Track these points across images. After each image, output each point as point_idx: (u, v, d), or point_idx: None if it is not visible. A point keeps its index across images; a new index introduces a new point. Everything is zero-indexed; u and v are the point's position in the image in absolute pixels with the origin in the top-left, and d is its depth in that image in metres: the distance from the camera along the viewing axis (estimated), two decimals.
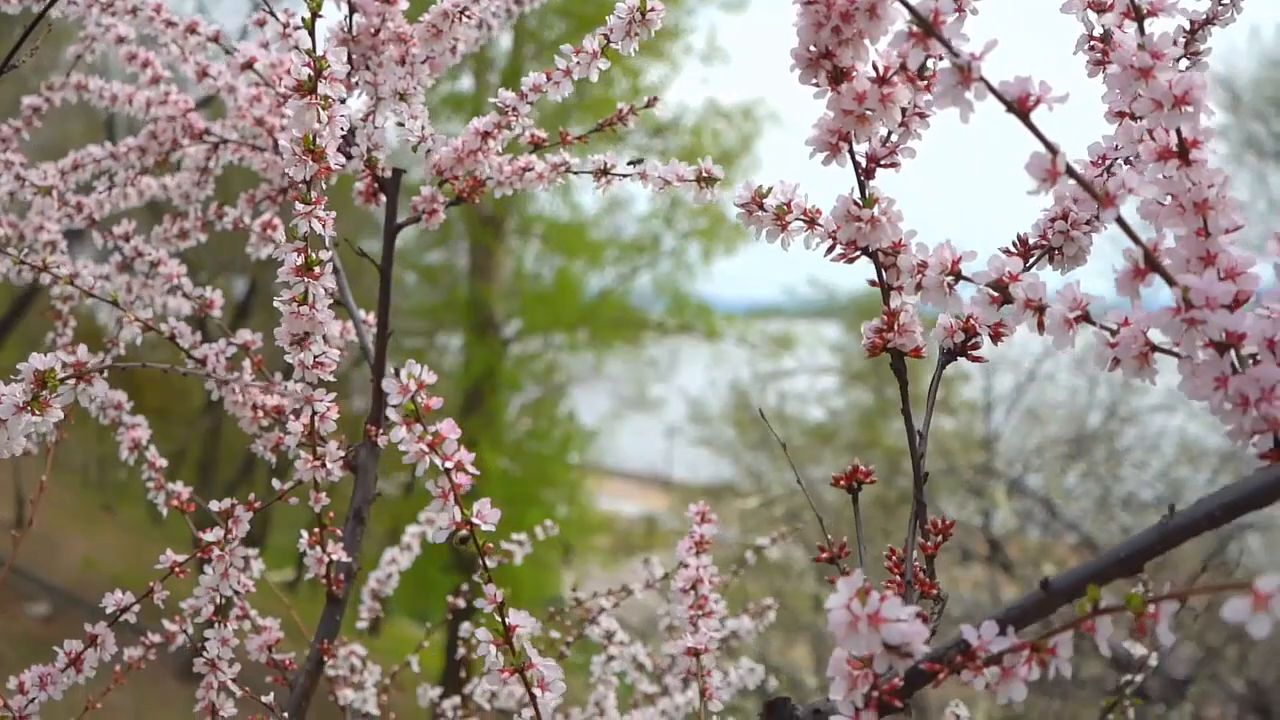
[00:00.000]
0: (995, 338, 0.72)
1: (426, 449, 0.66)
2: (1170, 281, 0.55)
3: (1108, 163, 0.74)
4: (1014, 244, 0.74)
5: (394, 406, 0.65)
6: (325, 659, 1.05)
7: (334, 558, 1.03)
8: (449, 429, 0.67)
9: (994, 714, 6.22)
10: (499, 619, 0.69)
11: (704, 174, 0.90)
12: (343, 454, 0.97)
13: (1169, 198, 0.58)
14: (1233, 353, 0.56)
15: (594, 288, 12.20)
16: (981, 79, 0.53)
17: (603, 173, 1.01)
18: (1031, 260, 0.73)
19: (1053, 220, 0.73)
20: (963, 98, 0.54)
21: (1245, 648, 6.25)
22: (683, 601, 1.02)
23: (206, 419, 10.21)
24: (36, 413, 0.71)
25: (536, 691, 0.69)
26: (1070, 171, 0.54)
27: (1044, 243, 0.73)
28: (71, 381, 0.69)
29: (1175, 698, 5.68)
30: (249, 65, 1.12)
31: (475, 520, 0.67)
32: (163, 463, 1.16)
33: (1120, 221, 0.55)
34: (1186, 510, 0.54)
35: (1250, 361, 0.56)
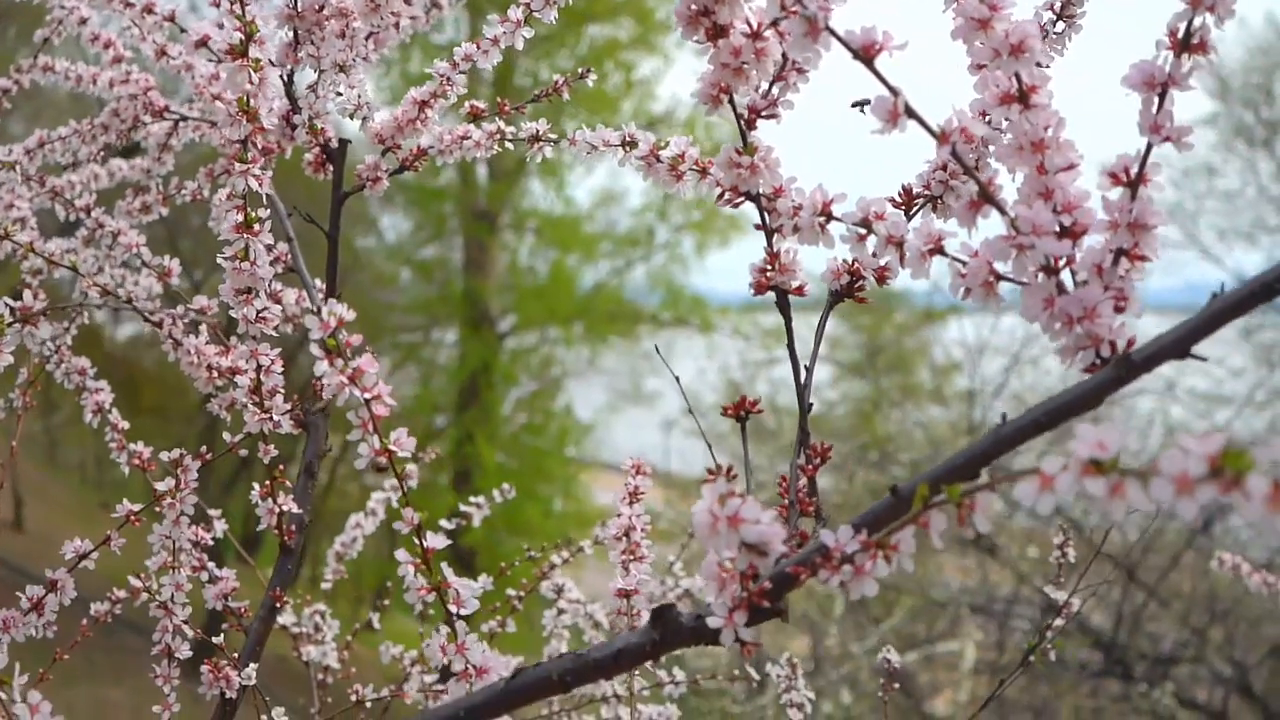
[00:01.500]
0: (880, 280, 0.77)
1: (347, 381, 0.72)
2: (1002, 211, 0.60)
3: (987, 117, 0.79)
4: (899, 193, 0.79)
5: (315, 341, 0.71)
6: (278, 606, 1.10)
7: (285, 509, 1.08)
8: (368, 364, 0.73)
9: (979, 693, 6.28)
10: (417, 542, 0.75)
11: (628, 139, 0.96)
12: (289, 407, 1.02)
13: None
14: (1067, 275, 0.62)
15: (588, 281, 12.26)
16: (828, 29, 0.59)
17: (535, 139, 1.07)
18: (915, 208, 0.79)
19: (934, 170, 0.78)
20: (811, 47, 0.59)
21: (1230, 629, 6.32)
22: (616, 547, 1.07)
23: (203, 417, 10.28)
24: None
25: (453, 608, 0.74)
26: (909, 112, 0.59)
27: (926, 192, 0.78)
28: (18, 325, 0.75)
29: (1159, 677, 5.74)
30: (203, 43, 1.17)
31: (393, 448, 0.73)
32: (125, 425, 1.21)
33: (958, 158, 0.60)
34: (1018, 418, 0.59)
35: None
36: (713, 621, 0.63)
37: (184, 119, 1.31)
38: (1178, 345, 0.56)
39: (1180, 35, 0.61)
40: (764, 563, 0.60)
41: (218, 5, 1.19)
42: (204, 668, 1.08)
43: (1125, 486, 0.45)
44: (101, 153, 1.32)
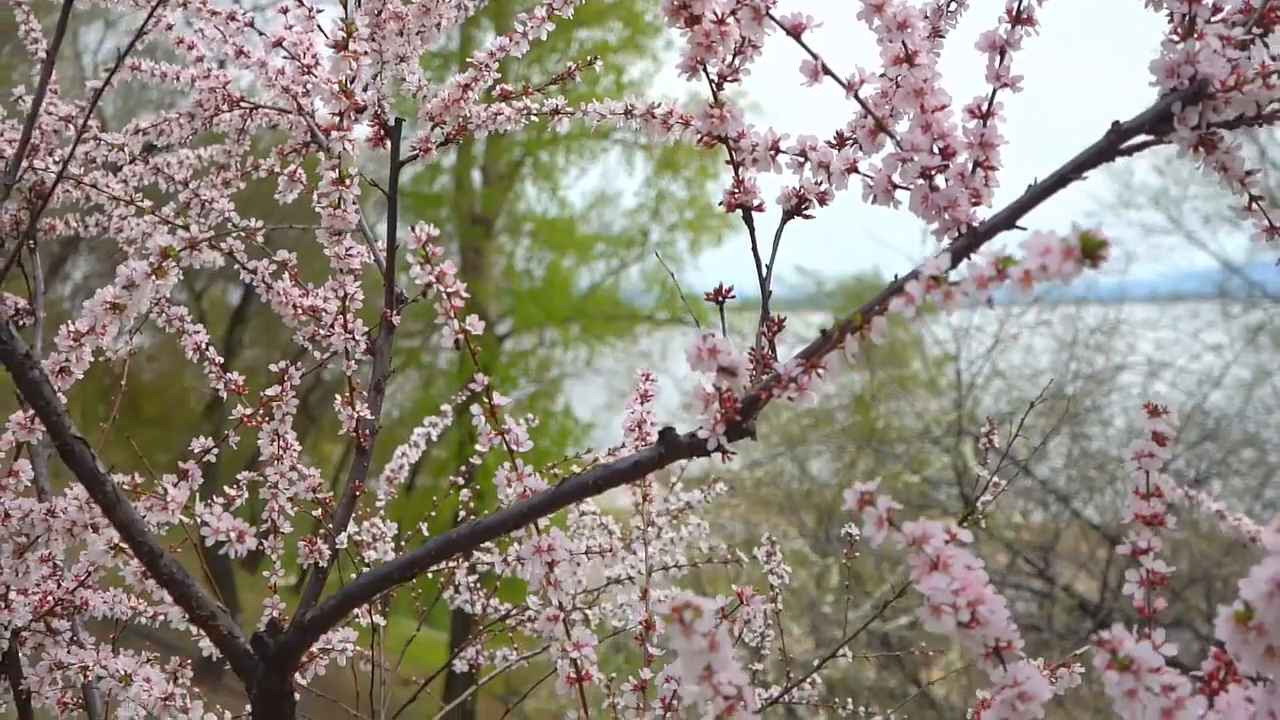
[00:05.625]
0: (821, 201, 1.04)
1: (434, 280, 0.99)
2: (892, 136, 0.87)
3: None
4: (834, 136, 1.06)
5: (410, 251, 0.98)
6: (356, 495, 1.37)
7: (361, 415, 1.35)
8: (449, 267, 1.00)
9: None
10: (487, 400, 1.02)
11: (629, 108, 1.23)
12: (367, 330, 1.29)
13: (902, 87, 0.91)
14: (940, 179, 0.88)
15: (584, 283, 12.52)
16: (769, 14, 0.86)
17: (555, 112, 1.34)
18: (846, 147, 1.05)
19: (858, 119, 1.05)
20: (758, 28, 0.86)
21: (1209, 590, 6.61)
22: (629, 437, 1.34)
23: (206, 424, 10.53)
24: (160, 278, 1.03)
25: (514, 447, 1.01)
26: (826, 70, 0.86)
27: (853, 135, 1.05)
28: (187, 251, 1.01)
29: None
30: (278, 43, 1.43)
31: (468, 327, 1.00)
32: (220, 359, 1.47)
33: (859, 100, 0.87)
34: (903, 277, 0.85)
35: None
36: (701, 433, 0.90)
37: (257, 107, 1.58)
38: (1007, 220, 0.83)
39: (1014, 11, 0.88)
40: (735, 383, 0.87)
41: (285, 11, 1.47)
42: (300, 543, 1.35)
43: (953, 293, 0.72)
44: (190, 137, 1.59)
